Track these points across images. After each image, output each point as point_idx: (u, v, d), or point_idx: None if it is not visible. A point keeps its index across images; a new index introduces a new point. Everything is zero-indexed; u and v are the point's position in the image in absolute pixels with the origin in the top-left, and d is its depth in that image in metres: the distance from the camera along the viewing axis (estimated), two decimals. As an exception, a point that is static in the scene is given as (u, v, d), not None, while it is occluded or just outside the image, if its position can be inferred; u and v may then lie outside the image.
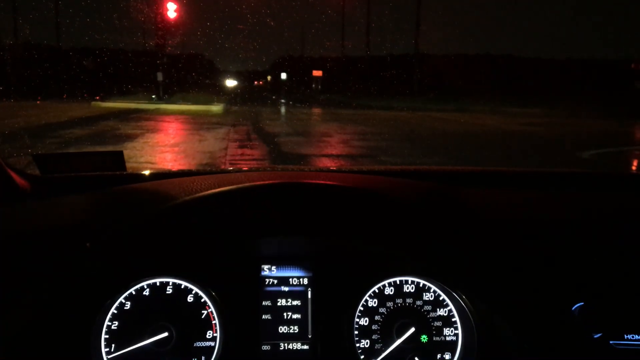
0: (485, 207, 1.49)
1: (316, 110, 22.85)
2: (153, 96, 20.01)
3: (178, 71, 26.42)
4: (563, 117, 19.78)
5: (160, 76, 20.17)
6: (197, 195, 1.19)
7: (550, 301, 1.11)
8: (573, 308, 1.18)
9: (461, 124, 16.15)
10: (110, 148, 2.25)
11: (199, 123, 13.11)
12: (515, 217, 1.45)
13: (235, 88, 39.23)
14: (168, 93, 20.67)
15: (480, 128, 15.20)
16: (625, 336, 1.18)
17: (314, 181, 1.30)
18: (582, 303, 1.19)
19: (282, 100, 30.48)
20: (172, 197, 1.24)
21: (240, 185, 1.23)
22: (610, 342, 1.16)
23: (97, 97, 17.95)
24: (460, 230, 1.20)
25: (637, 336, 1.17)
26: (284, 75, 48.69)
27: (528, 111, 21.71)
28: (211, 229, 1.22)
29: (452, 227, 1.21)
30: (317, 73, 42.25)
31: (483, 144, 11.28)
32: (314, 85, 41.64)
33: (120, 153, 1.74)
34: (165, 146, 9.54)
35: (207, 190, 1.23)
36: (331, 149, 9.96)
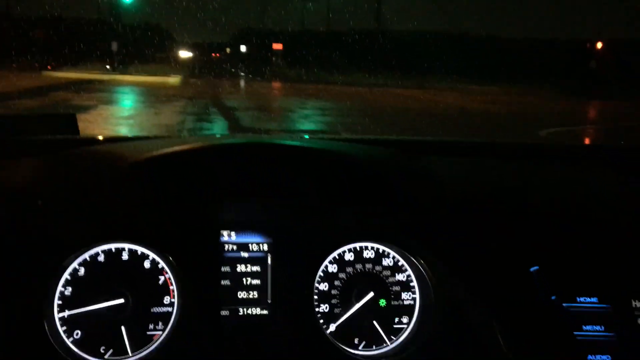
0: (447, 174, 1.50)
1: (277, 85, 22.47)
2: (107, 67, 19.19)
3: (134, 42, 25.38)
4: (521, 96, 20.12)
5: (114, 46, 19.39)
6: (153, 154, 1.12)
7: (508, 264, 1.14)
8: (531, 270, 1.19)
9: (423, 101, 16.18)
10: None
11: (155, 95, 12.72)
12: (474, 184, 1.48)
13: (191, 60, 38.19)
14: (123, 63, 19.85)
15: (442, 105, 15.26)
16: (578, 299, 1.21)
17: (275, 141, 1.25)
18: (538, 267, 1.20)
19: (242, 74, 29.89)
20: (126, 158, 1.16)
21: (198, 145, 1.16)
22: (564, 304, 1.19)
23: (49, 67, 17.12)
24: (421, 193, 1.19)
25: (588, 299, 1.21)
26: (243, 48, 47.35)
27: (486, 89, 21.98)
28: (168, 190, 1.16)
29: (414, 190, 1.19)
30: (277, 46, 41.44)
31: (444, 122, 11.30)
32: (274, 59, 40.96)
33: (73, 116, 1.67)
34: (119, 118, 9.23)
35: (164, 151, 1.15)
36: (292, 124, 9.82)
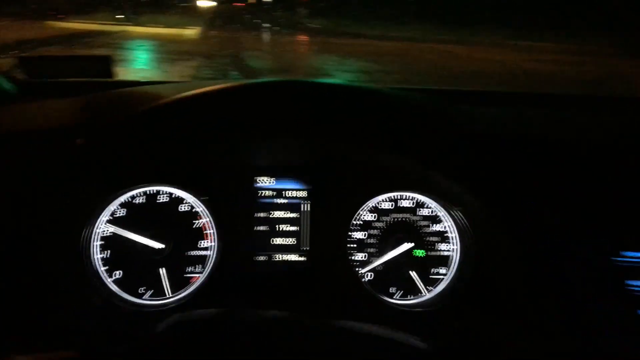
0: (497, 124, 1.44)
1: (304, 39, 20.34)
2: (117, 16, 17.31)
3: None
4: (580, 55, 17.78)
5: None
6: (190, 93, 1.06)
7: (559, 217, 1.08)
8: (584, 225, 1.10)
9: (475, 60, 14.06)
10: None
11: (165, 52, 10.80)
12: (525, 134, 1.39)
13: (211, 9, 36.10)
14: (136, 13, 17.93)
15: (500, 67, 13.15)
16: (622, 253, 1.18)
17: (316, 81, 1.14)
18: (592, 222, 1.13)
19: (265, 25, 27.87)
20: (163, 99, 1.10)
21: (235, 84, 1.10)
22: (612, 258, 1.16)
23: (58, 16, 15.35)
24: (469, 141, 1.10)
25: (634, 253, 1.16)
26: None
27: (536, 45, 19.52)
28: (204, 132, 1.11)
29: (461, 138, 1.11)
30: None
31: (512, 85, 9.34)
32: (299, 9, 38.76)
33: (109, 58, 1.66)
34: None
35: (201, 90, 1.08)
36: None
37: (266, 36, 20.53)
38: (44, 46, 9.99)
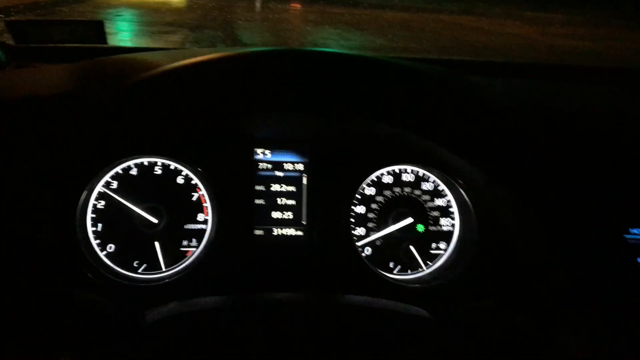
0: (506, 95, 1.42)
1: (299, 6, 19.04)
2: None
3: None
4: (595, 26, 16.58)
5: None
6: (187, 61, 1.03)
7: (569, 193, 1.00)
8: (594, 202, 1.04)
9: (489, 33, 12.90)
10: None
11: (146, 23, 9.58)
12: (536, 105, 1.39)
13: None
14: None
15: (515, 40, 12.01)
16: (631, 230, 1.20)
17: (315, 50, 1.10)
18: (603, 199, 1.07)
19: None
20: (158, 66, 1.07)
21: (233, 53, 1.06)
22: (624, 235, 1.17)
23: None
24: (475, 113, 1.05)
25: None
26: None
27: (547, 16, 18.29)
28: (201, 101, 1.07)
29: (467, 109, 1.05)
30: None
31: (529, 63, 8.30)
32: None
33: (101, 23, 1.64)
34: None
35: (198, 58, 1.05)
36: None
37: (259, 3, 19.17)
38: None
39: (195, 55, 1.10)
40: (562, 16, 18.49)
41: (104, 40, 1.56)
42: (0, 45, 1.51)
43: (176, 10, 13.27)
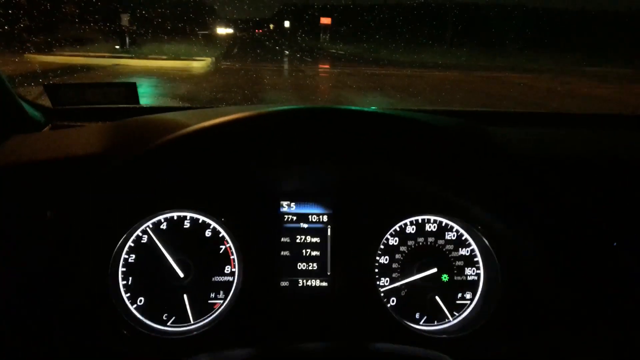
0: (523, 145, 1.46)
1: (329, 68, 17.78)
2: (117, 46, 14.92)
3: (157, 17, 20.91)
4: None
5: (125, 20, 15.09)
6: (216, 121, 1.04)
7: (588, 237, 1.00)
8: (615, 244, 1.02)
9: (563, 94, 11.16)
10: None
11: (154, 95, 8.14)
12: (551, 154, 1.44)
13: (230, 37, 34.26)
14: (136, 43, 15.52)
15: (602, 104, 10.15)
16: None
17: (335, 107, 1.09)
18: (620, 241, 1.04)
19: (286, 52, 25.67)
20: (188, 125, 1.06)
21: (259, 112, 1.06)
22: None
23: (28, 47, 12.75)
24: (494, 163, 1.07)
25: None
26: (287, 24, 45.19)
27: (608, 71, 16.46)
28: (229, 158, 1.10)
29: (486, 161, 1.07)
30: (325, 21, 37.77)
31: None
32: (322, 35, 36.78)
33: (134, 85, 1.67)
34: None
35: (226, 118, 1.05)
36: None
37: (286, 66, 17.95)
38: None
39: (223, 114, 1.08)
40: (628, 71, 16.78)
41: (137, 101, 1.58)
42: (39, 107, 1.54)
43: (197, 75, 12.08)
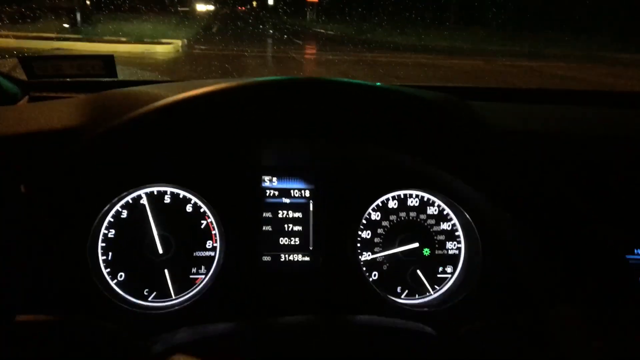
0: (511, 121, 1.43)
1: (317, 51, 15.48)
2: (65, 25, 12.40)
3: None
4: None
5: (76, -7, 12.56)
6: (194, 92, 0.98)
7: (571, 215, 0.96)
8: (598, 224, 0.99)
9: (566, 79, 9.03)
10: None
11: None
12: (540, 130, 1.39)
13: (209, 14, 31.68)
14: (90, 22, 12.97)
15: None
16: (636, 251, 1.23)
17: (319, 79, 1.03)
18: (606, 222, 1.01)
19: (270, 32, 23.44)
20: (166, 98, 1.01)
21: (239, 83, 1.00)
22: (626, 256, 1.10)
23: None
24: (480, 139, 1.01)
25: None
26: (270, 1, 42.58)
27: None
28: (208, 131, 1.02)
29: (467, 131, 1.02)
30: None
31: None
32: (308, 14, 34.37)
33: (111, 57, 1.61)
34: None
35: (205, 89, 0.99)
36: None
37: (270, 50, 15.56)
38: None
39: (202, 86, 1.03)
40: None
41: (115, 74, 1.53)
42: (14, 79, 1.54)
43: (164, 61, 9.83)
